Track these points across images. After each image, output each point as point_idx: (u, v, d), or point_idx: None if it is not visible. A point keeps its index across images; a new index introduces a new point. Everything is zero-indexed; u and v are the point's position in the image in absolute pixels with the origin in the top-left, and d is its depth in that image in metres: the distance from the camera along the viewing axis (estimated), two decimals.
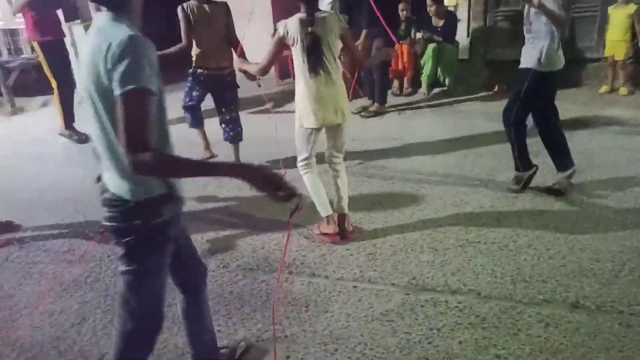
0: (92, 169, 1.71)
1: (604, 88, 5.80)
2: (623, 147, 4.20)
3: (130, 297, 1.60)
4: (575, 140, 4.32)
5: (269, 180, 1.41)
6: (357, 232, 3.13)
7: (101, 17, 1.43)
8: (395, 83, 6.59)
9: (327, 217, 3.06)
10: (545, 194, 3.45)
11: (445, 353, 2.14)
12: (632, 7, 5.47)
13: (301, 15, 2.84)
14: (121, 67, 1.30)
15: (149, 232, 1.52)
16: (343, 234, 3.06)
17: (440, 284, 2.59)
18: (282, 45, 2.92)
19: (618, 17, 5.58)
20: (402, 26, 6.36)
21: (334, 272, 2.75)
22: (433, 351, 2.15)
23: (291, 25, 2.86)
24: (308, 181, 3.07)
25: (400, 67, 6.47)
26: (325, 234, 3.08)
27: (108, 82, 1.33)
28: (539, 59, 3.20)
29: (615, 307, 2.34)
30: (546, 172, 3.57)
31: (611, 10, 5.66)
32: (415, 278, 2.64)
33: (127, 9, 1.45)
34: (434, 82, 6.46)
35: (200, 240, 3.16)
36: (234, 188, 3.82)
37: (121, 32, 1.35)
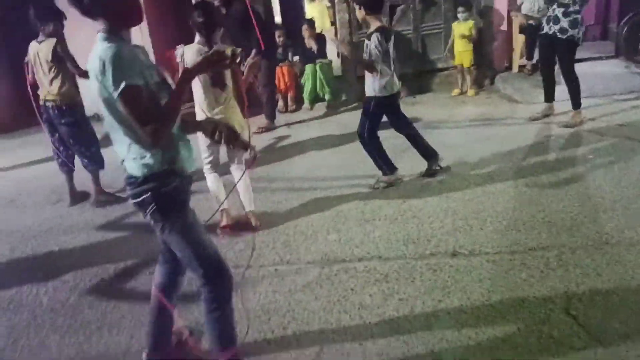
0: None
1: (455, 91, 6.84)
2: (478, 137, 5.06)
3: (185, 257, 1.94)
4: (440, 136, 5.13)
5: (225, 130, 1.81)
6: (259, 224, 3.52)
7: (97, 39, 1.72)
8: (281, 102, 7.09)
9: (222, 210, 3.41)
10: (423, 177, 4.10)
11: (359, 305, 2.56)
12: (470, 23, 6.57)
13: (197, 45, 3.23)
14: (109, 75, 1.63)
15: (161, 200, 1.83)
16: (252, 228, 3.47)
17: (348, 255, 3.03)
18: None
19: (460, 31, 6.65)
20: (280, 50, 6.91)
21: (256, 261, 3.07)
22: (349, 305, 2.57)
23: (188, 53, 3.21)
24: (210, 180, 3.47)
25: (282, 87, 6.99)
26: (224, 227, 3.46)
27: (105, 90, 1.66)
28: (378, 89, 3.77)
29: (483, 250, 2.96)
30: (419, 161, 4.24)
31: (455, 25, 6.71)
32: (327, 254, 3.06)
33: (116, 25, 1.74)
34: (315, 98, 7.07)
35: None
36: None
37: (102, 47, 1.66)
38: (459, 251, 2.98)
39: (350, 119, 6.30)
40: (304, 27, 6.93)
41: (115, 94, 1.65)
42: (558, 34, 4.71)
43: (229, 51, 1.72)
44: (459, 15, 6.58)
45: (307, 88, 7.00)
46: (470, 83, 6.79)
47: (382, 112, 3.92)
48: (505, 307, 2.46)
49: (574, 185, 3.68)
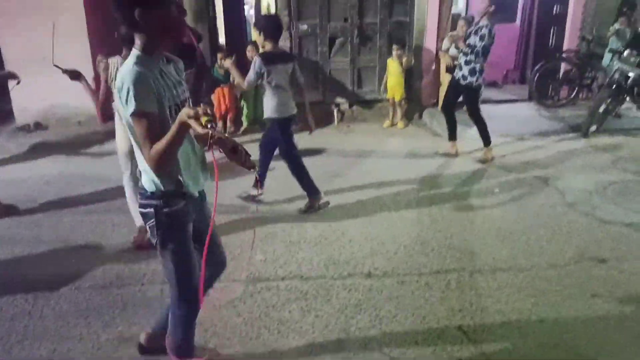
0: None
1: (386, 123, 7.29)
2: (401, 167, 5.46)
3: (167, 274, 2.06)
4: (366, 164, 5.50)
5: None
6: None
7: (131, 54, 1.84)
8: (220, 123, 7.24)
9: (139, 226, 3.59)
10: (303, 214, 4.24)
11: (278, 320, 2.78)
12: (404, 59, 7.06)
13: (121, 58, 3.28)
14: (123, 95, 1.74)
15: (161, 218, 1.94)
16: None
17: (272, 274, 3.24)
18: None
19: (394, 67, 7.13)
20: (223, 72, 7.10)
21: None
22: (269, 321, 2.77)
23: (111, 65, 3.34)
24: (129, 194, 3.58)
25: (222, 108, 7.16)
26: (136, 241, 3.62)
27: (123, 107, 1.77)
28: (271, 110, 4.07)
29: (395, 272, 3.27)
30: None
31: (389, 61, 7.20)
32: (252, 273, 3.26)
33: (154, 42, 1.84)
34: (254, 121, 7.29)
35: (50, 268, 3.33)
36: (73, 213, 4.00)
37: (128, 67, 1.76)
38: (374, 272, 3.27)
39: None
40: (249, 48, 7.15)
41: (127, 115, 1.77)
42: (461, 80, 5.26)
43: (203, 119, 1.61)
44: (393, 52, 7.07)
45: (246, 110, 7.22)
46: (401, 116, 7.27)
47: (279, 133, 4.10)
48: (408, 323, 2.76)
49: (479, 216, 4.11)
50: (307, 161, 5.32)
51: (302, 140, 6.11)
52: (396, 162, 5.60)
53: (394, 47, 7.05)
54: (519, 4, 9.72)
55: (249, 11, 10.88)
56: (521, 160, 5.45)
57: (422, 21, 7.17)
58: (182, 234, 2.05)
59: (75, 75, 3.57)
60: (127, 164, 3.53)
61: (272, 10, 7.93)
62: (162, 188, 1.94)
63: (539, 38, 8.98)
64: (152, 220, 1.97)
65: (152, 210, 1.96)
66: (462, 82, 5.23)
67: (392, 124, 7.28)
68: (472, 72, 5.15)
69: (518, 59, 9.70)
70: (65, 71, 3.55)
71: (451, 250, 3.54)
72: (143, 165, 1.93)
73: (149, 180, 1.95)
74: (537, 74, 7.49)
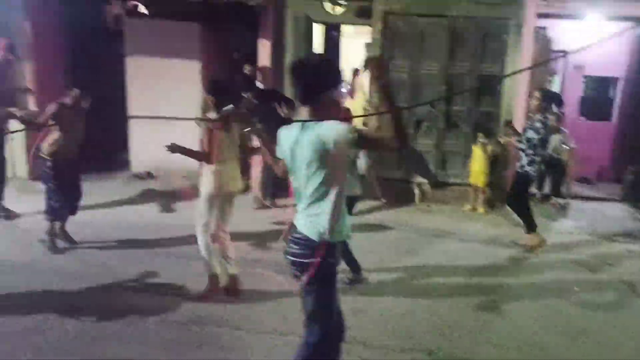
0: None
1: (467, 207, 7.30)
2: (477, 252, 5.43)
3: (313, 316, 2.18)
4: (441, 244, 5.56)
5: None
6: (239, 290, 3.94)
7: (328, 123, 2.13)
8: None
9: (212, 275, 3.86)
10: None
11: None
12: (489, 147, 7.19)
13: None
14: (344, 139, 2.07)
15: (323, 269, 2.09)
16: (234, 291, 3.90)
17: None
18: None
19: (479, 154, 7.25)
20: None
21: (225, 323, 3.49)
22: None
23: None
24: (203, 243, 3.82)
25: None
26: (209, 292, 3.88)
27: (332, 148, 2.06)
28: None
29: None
30: None
31: (475, 148, 7.34)
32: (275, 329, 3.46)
33: (313, 114, 2.16)
34: None
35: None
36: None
37: (336, 126, 2.07)
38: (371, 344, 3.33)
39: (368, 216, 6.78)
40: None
41: (350, 143, 2.02)
42: (519, 169, 5.48)
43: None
44: (478, 141, 7.23)
45: None
46: (482, 202, 7.27)
47: None
48: None
49: (552, 311, 3.99)
50: (383, 235, 5.56)
51: (381, 215, 6.31)
52: (471, 247, 5.59)
53: (479, 135, 7.21)
54: (615, 103, 9.58)
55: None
56: (606, 261, 5.22)
57: (510, 113, 7.30)
58: (335, 282, 2.19)
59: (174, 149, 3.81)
60: (204, 211, 3.77)
61: (366, 90, 8.43)
62: (336, 238, 2.10)
63: (637, 138, 8.70)
64: (311, 270, 2.06)
65: (318, 260, 2.06)
66: (520, 171, 5.47)
67: (473, 209, 7.28)
68: (531, 162, 5.36)
69: (612, 157, 9.39)
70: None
71: (516, 341, 3.48)
72: (317, 214, 2.08)
73: (316, 231, 2.08)
74: (632, 175, 7.23)
